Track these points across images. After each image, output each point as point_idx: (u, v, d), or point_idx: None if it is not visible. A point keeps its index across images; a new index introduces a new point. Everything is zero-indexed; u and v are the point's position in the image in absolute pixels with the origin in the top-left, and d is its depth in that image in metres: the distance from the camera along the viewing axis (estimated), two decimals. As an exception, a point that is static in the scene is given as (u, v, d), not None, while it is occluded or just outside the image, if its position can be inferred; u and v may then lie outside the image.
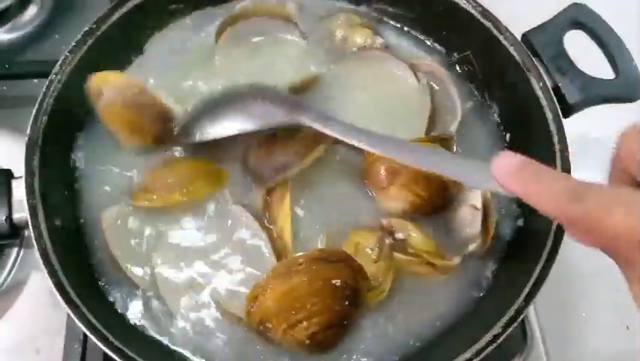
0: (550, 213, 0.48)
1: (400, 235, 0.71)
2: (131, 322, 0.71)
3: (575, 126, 1.05)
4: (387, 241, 0.71)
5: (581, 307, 0.94)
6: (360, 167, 0.76)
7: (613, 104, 0.81)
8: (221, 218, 0.74)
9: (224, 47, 0.85)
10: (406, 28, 0.90)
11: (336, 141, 0.70)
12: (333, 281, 0.63)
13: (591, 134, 1.09)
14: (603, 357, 0.91)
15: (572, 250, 0.97)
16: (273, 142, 0.74)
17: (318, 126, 0.67)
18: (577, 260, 0.97)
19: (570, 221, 0.46)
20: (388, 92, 0.82)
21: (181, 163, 0.77)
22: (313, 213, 0.75)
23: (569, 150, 0.75)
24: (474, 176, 0.57)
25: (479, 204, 0.71)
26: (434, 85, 0.84)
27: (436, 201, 0.73)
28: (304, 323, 0.63)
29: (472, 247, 0.72)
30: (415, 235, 0.71)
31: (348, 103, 0.81)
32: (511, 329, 0.63)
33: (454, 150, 0.79)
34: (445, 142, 0.76)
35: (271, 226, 0.73)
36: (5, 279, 0.87)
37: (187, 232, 0.74)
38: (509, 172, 0.50)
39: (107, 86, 0.75)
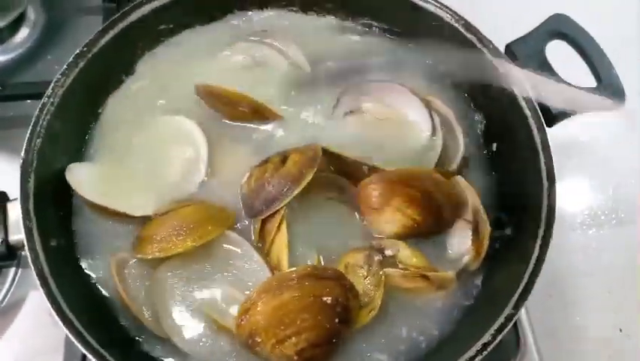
0: None
1: (389, 252, 0.72)
2: (130, 339, 0.72)
3: (563, 131, 1.08)
4: (377, 257, 0.71)
5: (574, 311, 0.95)
6: (350, 190, 0.76)
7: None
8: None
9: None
10: (392, 40, 0.92)
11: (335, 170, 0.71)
12: (324, 298, 0.63)
13: (580, 138, 1.11)
14: (596, 359, 0.92)
15: (564, 254, 1.00)
16: (264, 170, 0.75)
17: None
18: (569, 265, 0.99)
19: None
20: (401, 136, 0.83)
21: (184, 210, 0.75)
22: (305, 238, 0.75)
23: (557, 154, 0.75)
24: None
25: (470, 217, 0.72)
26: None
27: (431, 225, 0.74)
28: (293, 338, 0.63)
29: (465, 260, 0.73)
30: (404, 251, 0.71)
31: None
32: (500, 337, 0.64)
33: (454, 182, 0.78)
34: (446, 177, 0.76)
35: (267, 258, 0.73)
36: (4, 298, 0.88)
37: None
38: None
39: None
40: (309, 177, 0.71)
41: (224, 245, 0.73)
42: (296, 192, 0.70)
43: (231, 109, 0.81)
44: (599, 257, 1.00)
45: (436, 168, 0.77)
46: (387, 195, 0.71)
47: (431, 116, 0.81)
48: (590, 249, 1.01)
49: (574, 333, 0.93)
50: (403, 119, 0.83)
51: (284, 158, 0.75)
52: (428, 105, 0.82)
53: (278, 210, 0.71)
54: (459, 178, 0.76)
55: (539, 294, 0.94)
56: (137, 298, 0.72)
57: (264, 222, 0.73)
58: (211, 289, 0.72)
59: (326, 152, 0.75)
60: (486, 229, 0.73)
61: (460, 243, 0.74)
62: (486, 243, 0.73)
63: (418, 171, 0.73)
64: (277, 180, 0.72)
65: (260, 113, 0.81)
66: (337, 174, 0.77)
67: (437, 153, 0.79)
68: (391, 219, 0.73)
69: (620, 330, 0.94)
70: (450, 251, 0.75)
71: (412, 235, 0.74)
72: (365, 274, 0.70)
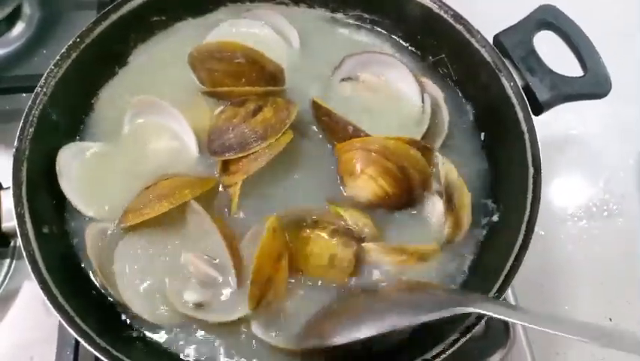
0: None
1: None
2: (122, 324, 0.72)
3: (555, 124, 1.08)
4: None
5: (563, 300, 0.96)
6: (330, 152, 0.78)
7: (591, 104, 0.83)
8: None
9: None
10: (383, 32, 0.93)
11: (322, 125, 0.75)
12: None
13: (571, 131, 1.11)
14: (586, 349, 0.92)
15: (555, 246, 1.00)
16: (235, 114, 0.76)
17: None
18: (560, 256, 1.00)
19: None
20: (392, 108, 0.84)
21: (167, 180, 0.76)
22: (269, 195, 0.77)
23: (549, 147, 0.78)
24: None
25: (441, 188, 0.73)
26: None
27: (402, 199, 0.75)
28: None
29: (446, 232, 0.74)
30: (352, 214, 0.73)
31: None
32: (483, 321, 0.65)
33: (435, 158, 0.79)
34: (426, 151, 0.77)
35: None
36: (-2, 289, 0.89)
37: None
38: None
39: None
40: (271, 141, 0.72)
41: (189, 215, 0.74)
42: (250, 152, 0.72)
43: (227, 65, 0.80)
44: (589, 248, 1.01)
45: (418, 140, 0.78)
46: (365, 162, 0.73)
47: (422, 94, 0.83)
48: (581, 240, 1.01)
49: (564, 323, 0.93)
50: (396, 92, 0.85)
51: (258, 108, 0.76)
52: (421, 85, 0.84)
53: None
54: (437, 153, 0.77)
55: (530, 284, 0.95)
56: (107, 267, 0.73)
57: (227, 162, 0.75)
58: (170, 257, 0.74)
59: (316, 105, 0.77)
60: (463, 200, 0.74)
61: (436, 215, 0.76)
62: (464, 214, 0.74)
63: (397, 145, 0.74)
64: (241, 130, 0.74)
65: (258, 65, 0.80)
66: (323, 130, 0.80)
67: (423, 130, 0.80)
68: (364, 185, 0.74)
69: (610, 320, 0.95)
70: (431, 224, 0.76)
71: (382, 205, 0.76)
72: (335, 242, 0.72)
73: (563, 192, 1.07)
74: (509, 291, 0.88)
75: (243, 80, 0.80)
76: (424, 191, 0.76)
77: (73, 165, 0.78)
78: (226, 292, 0.71)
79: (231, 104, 0.78)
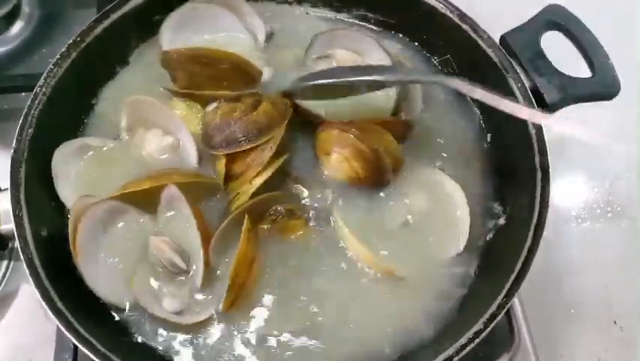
0: None
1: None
2: (121, 328, 0.71)
3: (559, 125, 1.07)
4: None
5: (568, 302, 0.95)
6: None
7: (596, 104, 0.82)
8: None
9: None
10: (387, 33, 0.92)
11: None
12: None
13: (576, 132, 1.10)
14: (592, 352, 0.91)
15: (559, 248, 0.99)
16: (234, 109, 0.75)
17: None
18: (564, 258, 0.99)
19: None
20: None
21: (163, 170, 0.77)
22: None
23: (554, 148, 0.75)
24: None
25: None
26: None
27: (372, 181, 0.78)
28: None
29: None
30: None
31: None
32: (492, 325, 0.64)
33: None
34: (407, 126, 0.80)
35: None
36: (-5, 292, 0.88)
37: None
38: None
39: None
40: (276, 133, 0.73)
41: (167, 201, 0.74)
42: (260, 142, 0.72)
43: (211, 70, 0.80)
44: (594, 250, 1.00)
45: (395, 119, 0.80)
46: (341, 144, 0.75)
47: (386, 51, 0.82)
48: (586, 242, 1.01)
49: (568, 326, 0.93)
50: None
51: (256, 103, 0.76)
52: (395, 61, 0.83)
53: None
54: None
55: (534, 287, 0.94)
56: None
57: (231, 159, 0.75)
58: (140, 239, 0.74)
59: (285, 96, 0.79)
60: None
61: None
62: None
63: (373, 128, 0.76)
64: (245, 124, 0.73)
65: (242, 70, 0.81)
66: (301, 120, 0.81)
67: (391, 104, 0.81)
68: (338, 166, 0.77)
69: (615, 323, 0.94)
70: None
71: (356, 187, 0.78)
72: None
73: (567, 193, 1.06)
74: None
75: (225, 84, 0.80)
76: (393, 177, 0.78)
77: (70, 167, 0.77)
78: (189, 287, 0.71)
79: (225, 101, 0.77)
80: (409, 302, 0.72)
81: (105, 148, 0.80)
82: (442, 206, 0.77)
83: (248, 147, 0.73)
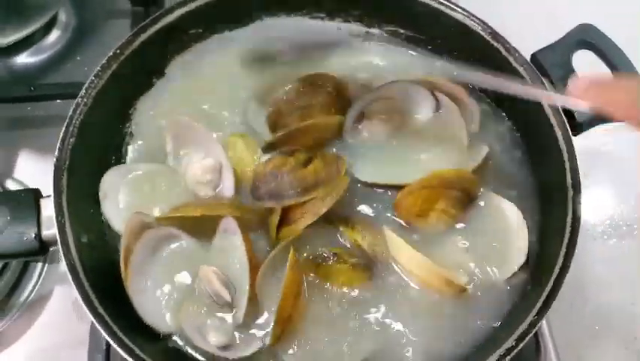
0: (622, 118, 0.54)
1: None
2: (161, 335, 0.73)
3: (586, 140, 1.07)
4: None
5: (593, 319, 0.95)
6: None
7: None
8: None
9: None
10: (417, 49, 0.93)
11: None
12: None
13: (602, 147, 1.10)
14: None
15: (584, 264, 0.99)
16: (284, 163, 0.76)
17: None
18: (590, 274, 0.99)
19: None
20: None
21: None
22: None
23: (579, 163, 0.76)
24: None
25: None
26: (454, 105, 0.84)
27: (467, 215, 0.78)
28: None
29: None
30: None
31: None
32: (524, 343, 0.64)
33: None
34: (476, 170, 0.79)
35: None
36: (30, 293, 0.91)
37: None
38: (583, 88, 0.58)
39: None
40: (336, 189, 0.72)
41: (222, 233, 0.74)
42: (303, 199, 0.72)
43: (319, 95, 0.81)
44: (619, 267, 0.99)
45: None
46: (431, 200, 0.75)
47: (433, 94, 0.82)
48: (611, 259, 1.00)
49: (594, 342, 0.93)
50: (406, 105, 0.83)
51: (308, 160, 0.76)
52: (430, 86, 0.82)
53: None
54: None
55: (560, 303, 0.94)
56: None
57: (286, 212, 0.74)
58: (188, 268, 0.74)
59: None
60: None
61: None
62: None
63: (455, 173, 0.76)
64: (290, 179, 0.73)
65: (342, 94, 0.83)
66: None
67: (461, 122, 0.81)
68: (436, 222, 0.76)
69: (641, 341, 0.93)
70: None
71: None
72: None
73: (593, 209, 1.06)
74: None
75: (333, 110, 0.82)
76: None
77: (118, 189, 0.79)
78: (232, 320, 0.71)
79: (280, 153, 0.78)
80: (455, 318, 0.73)
81: (152, 172, 0.81)
82: (499, 229, 0.77)
83: (290, 203, 0.72)
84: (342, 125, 0.82)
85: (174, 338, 0.72)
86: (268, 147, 0.79)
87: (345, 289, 0.72)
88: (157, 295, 0.73)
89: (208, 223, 0.74)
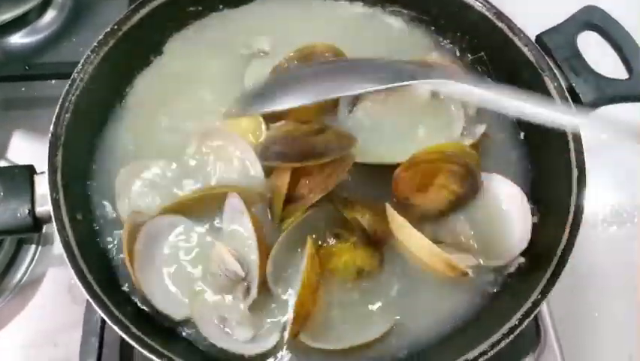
0: None
1: None
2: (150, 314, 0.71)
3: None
4: None
5: (593, 306, 0.94)
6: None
7: (626, 107, 0.81)
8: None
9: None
10: (420, 29, 0.92)
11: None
12: None
13: (602, 135, 1.09)
14: (616, 357, 0.91)
15: (585, 251, 0.99)
16: (296, 128, 0.74)
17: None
18: (591, 261, 0.98)
19: None
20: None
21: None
22: None
23: (588, 152, 0.75)
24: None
25: None
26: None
27: (468, 194, 0.75)
28: None
29: None
30: None
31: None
32: (527, 322, 0.64)
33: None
34: (474, 147, 0.77)
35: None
36: (23, 275, 0.89)
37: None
38: None
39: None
40: (345, 162, 0.71)
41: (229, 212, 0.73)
42: (309, 163, 0.70)
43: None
44: (620, 254, 0.99)
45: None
46: (430, 175, 0.72)
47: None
48: (612, 246, 1.00)
49: (594, 329, 0.92)
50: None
51: (320, 130, 0.75)
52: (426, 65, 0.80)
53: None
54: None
55: (560, 290, 0.94)
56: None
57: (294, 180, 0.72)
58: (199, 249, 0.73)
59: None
60: None
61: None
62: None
63: (455, 146, 0.74)
64: (300, 143, 0.72)
65: None
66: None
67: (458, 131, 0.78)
68: (436, 197, 0.74)
69: (641, 328, 0.93)
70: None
71: (454, 208, 0.74)
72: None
73: (594, 197, 1.04)
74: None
75: None
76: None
77: (131, 186, 0.77)
78: (245, 302, 0.70)
79: (293, 120, 0.77)
80: (453, 297, 0.72)
81: (168, 172, 0.79)
82: (501, 210, 0.76)
83: (298, 165, 0.71)
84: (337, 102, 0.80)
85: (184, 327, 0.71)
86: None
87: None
88: (166, 283, 0.71)
89: (212, 206, 0.73)
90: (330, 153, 0.71)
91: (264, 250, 0.69)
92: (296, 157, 0.71)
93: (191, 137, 0.78)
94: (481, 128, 0.79)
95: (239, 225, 0.71)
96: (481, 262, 0.73)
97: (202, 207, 0.74)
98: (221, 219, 0.74)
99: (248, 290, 0.70)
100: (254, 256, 0.69)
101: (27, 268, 0.90)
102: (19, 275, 0.89)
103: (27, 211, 0.70)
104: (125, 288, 0.73)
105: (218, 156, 0.77)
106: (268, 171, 0.74)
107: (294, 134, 0.74)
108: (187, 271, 0.72)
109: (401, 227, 0.70)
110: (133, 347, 0.63)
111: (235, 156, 0.76)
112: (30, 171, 0.72)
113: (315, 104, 0.72)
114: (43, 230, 0.72)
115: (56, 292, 0.89)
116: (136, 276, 0.69)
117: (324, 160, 0.70)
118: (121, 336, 0.63)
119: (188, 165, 0.78)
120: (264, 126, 0.78)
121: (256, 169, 0.74)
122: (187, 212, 0.74)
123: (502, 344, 0.63)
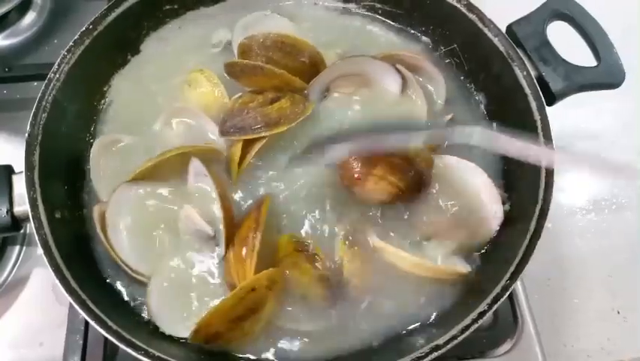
0: None
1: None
2: (133, 309, 0.73)
3: (565, 117, 1.08)
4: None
5: (572, 293, 0.95)
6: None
7: (600, 95, 0.83)
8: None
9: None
10: (394, 24, 0.93)
11: None
12: None
13: (582, 124, 1.11)
14: (594, 341, 0.92)
15: (563, 239, 1.00)
16: (253, 99, 0.77)
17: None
18: (568, 249, 0.99)
19: None
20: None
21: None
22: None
23: (559, 140, 0.76)
24: None
25: None
26: (419, 78, 0.84)
27: (414, 189, 0.74)
28: None
29: None
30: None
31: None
32: (495, 306, 0.65)
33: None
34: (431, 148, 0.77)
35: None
36: (8, 276, 0.90)
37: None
38: None
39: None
40: (281, 129, 0.74)
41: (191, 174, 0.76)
42: (262, 134, 0.74)
43: (290, 60, 0.81)
44: (597, 241, 1.00)
45: None
46: (369, 165, 0.72)
47: (397, 70, 0.81)
48: (589, 233, 1.01)
49: (572, 315, 0.93)
50: (372, 82, 0.82)
51: (276, 98, 0.77)
52: (393, 60, 0.82)
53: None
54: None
55: (538, 277, 0.95)
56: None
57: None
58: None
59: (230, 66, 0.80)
60: None
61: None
62: None
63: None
64: (255, 114, 0.75)
65: (315, 68, 0.82)
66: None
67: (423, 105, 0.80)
68: (375, 188, 0.72)
69: (618, 312, 0.94)
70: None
71: (399, 201, 0.74)
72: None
73: (572, 185, 1.06)
74: (518, 283, 0.88)
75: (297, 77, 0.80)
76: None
77: (102, 160, 0.80)
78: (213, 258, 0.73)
79: (250, 92, 0.79)
80: (421, 286, 0.73)
81: (134, 142, 0.82)
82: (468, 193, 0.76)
83: (251, 137, 0.74)
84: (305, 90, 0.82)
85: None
86: (229, 67, 0.81)
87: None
88: (135, 241, 0.74)
89: (176, 170, 0.76)
90: (284, 123, 0.74)
91: (228, 208, 0.72)
92: (250, 130, 0.74)
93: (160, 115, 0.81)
94: (446, 117, 0.81)
95: (203, 184, 0.75)
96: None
97: (166, 172, 0.77)
98: (185, 182, 0.76)
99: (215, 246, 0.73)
100: (218, 214, 0.71)
101: (12, 269, 0.90)
102: (4, 276, 0.89)
103: (5, 211, 0.70)
104: (108, 282, 0.74)
105: (182, 128, 0.81)
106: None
107: (249, 106, 0.77)
108: (155, 234, 0.75)
109: (397, 257, 0.72)
110: (117, 345, 0.64)
111: (197, 126, 0.80)
112: (8, 170, 0.73)
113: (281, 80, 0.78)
114: (28, 230, 0.73)
115: (41, 291, 0.89)
116: (109, 242, 0.72)
117: (278, 130, 0.74)
118: (103, 334, 0.64)
119: (156, 138, 0.81)
120: (226, 100, 0.81)
121: (215, 134, 0.78)
122: (152, 178, 0.76)
123: (472, 328, 0.63)
